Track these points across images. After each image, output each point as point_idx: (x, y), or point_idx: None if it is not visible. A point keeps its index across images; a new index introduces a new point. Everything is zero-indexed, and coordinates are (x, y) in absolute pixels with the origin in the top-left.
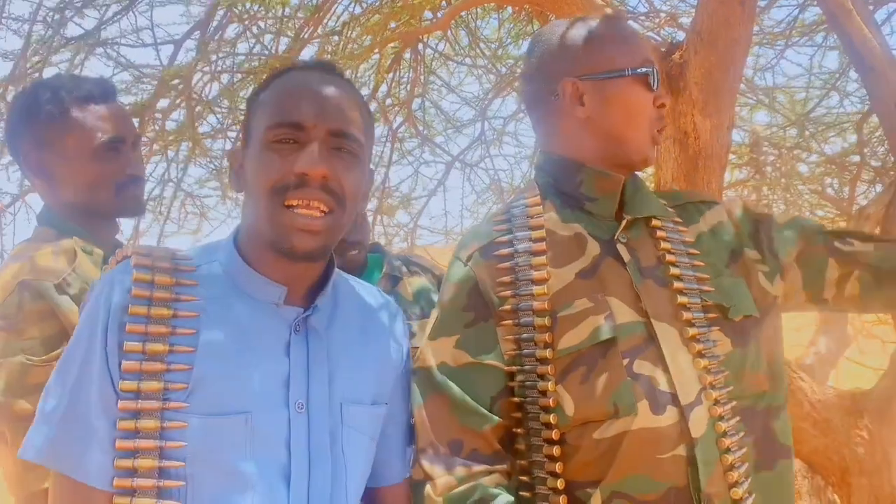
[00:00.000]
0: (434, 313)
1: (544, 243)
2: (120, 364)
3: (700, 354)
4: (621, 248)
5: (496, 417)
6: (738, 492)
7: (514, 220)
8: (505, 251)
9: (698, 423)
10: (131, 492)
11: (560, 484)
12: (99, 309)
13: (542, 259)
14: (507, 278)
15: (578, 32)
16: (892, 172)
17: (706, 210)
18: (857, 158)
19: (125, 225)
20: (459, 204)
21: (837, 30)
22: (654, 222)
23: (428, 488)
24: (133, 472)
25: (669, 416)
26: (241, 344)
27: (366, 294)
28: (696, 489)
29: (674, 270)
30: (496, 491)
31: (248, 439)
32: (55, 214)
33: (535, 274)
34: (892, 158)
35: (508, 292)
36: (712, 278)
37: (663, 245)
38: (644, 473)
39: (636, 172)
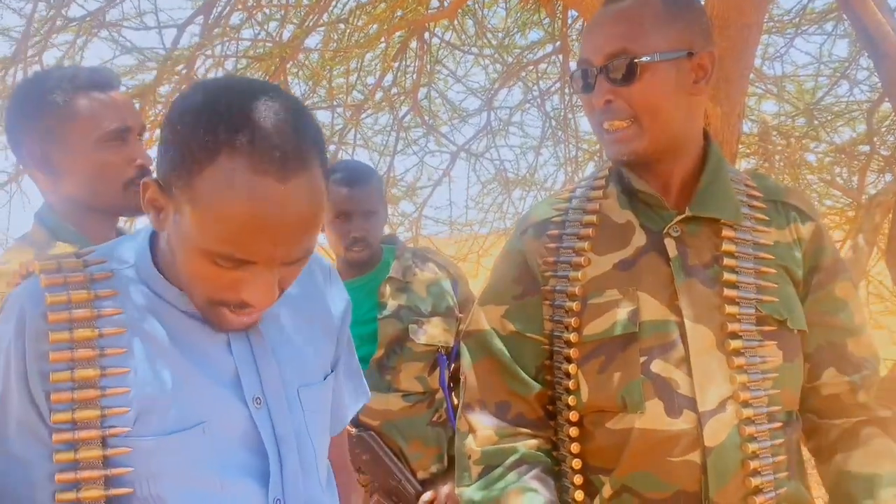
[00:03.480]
0: (487, 278)
1: (592, 229)
2: (48, 395)
3: (740, 369)
4: (669, 243)
5: (540, 385)
6: (757, 500)
7: (574, 200)
8: (556, 231)
9: (716, 432)
10: None
11: (576, 464)
12: (11, 340)
13: (585, 245)
14: (551, 259)
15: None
16: None
17: (799, 219)
18: (866, 148)
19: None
20: (464, 194)
21: (850, 15)
22: (723, 220)
23: (469, 438)
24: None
25: (685, 420)
26: (178, 353)
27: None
28: (706, 496)
29: (729, 276)
30: (535, 454)
31: (210, 447)
32: (52, 214)
33: (575, 259)
34: None
35: (550, 272)
36: (779, 287)
37: (725, 246)
38: (652, 472)
39: (711, 160)
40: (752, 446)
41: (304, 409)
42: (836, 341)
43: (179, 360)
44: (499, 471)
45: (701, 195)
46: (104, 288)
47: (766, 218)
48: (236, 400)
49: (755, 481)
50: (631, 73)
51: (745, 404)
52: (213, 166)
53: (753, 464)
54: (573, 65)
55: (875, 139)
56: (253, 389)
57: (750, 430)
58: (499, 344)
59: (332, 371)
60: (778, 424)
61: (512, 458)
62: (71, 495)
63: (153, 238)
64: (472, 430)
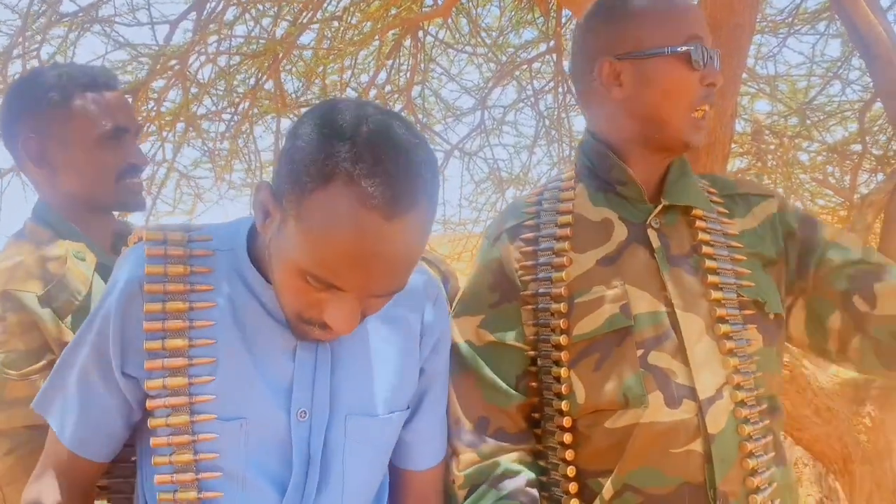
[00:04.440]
0: (462, 290)
1: (569, 229)
2: (141, 364)
3: (731, 352)
4: (651, 234)
5: (521, 395)
6: (754, 481)
7: (544, 202)
8: (530, 235)
9: (717, 419)
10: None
11: (571, 471)
12: (112, 303)
13: (564, 245)
14: (529, 262)
15: (619, 6)
16: (893, 161)
17: (758, 203)
18: (858, 147)
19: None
20: (458, 193)
21: (842, 16)
22: (695, 211)
23: (452, 463)
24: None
25: (685, 409)
26: (245, 347)
27: None
28: (711, 486)
29: (710, 263)
30: (518, 467)
31: (245, 444)
32: (52, 211)
33: (556, 260)
34: (895, 146)
35: (529, 277)
36: (753, 273)
37: (701, 236)
38: (654, 467)
39: (683, 156)
40: (747, 428)
41: (346, 437)
42: (856, 272)
43: (245, 353)
44: (483, 487)
45: (672, 186)
46: (202, 265)
47: (727, 211)
48: (281, 408)
49: (751, 463)
50: (720, 62)
51: (738, 387)
52: (325, 190)
53: (749, 446)
54: (567, 65)
55: (867, 139)
56: (302, 402)
57: (744, 412)
58: (474, 357)
59: (407, 407)
60: (764, 406)
61: (495, 473)
62: (164, 459)
63: (252, 230)
64: (453, 453)
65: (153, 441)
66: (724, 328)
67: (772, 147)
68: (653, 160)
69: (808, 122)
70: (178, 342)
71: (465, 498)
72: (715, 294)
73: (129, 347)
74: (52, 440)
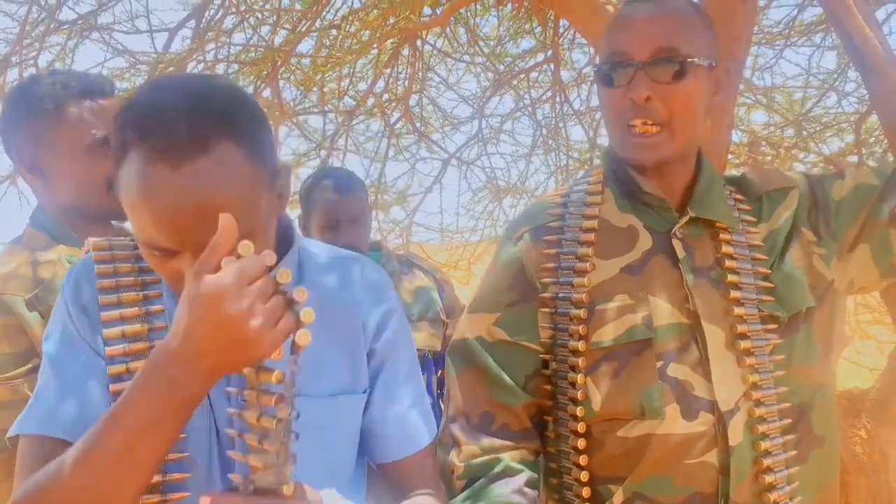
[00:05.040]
0: (478, 286)
1: (593, 234)
2: (104, 344)
3: (751, 368)
4: (676, 244)
5: (529, 395)
6: (770, 496)
7: (570, 205)
8: (553, 237)
9: (736, 431)
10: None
11: (583, 476)
12: (67, 300)
13: (588, 250)
14: (551, 265)
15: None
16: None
17: (783, 199)
18: (854, 158)
19: None
20: (455, 201)
21: (838, 28)
22: (719, 224)
23: (453, 453)
24: None
25: (702, 421)
26: None
27: (335, 277)
28: (724, 496)
29: (732, 277)
30: (518, 466)
31: (201, 424)
32: (49, 217)
33: (579, 265)
34: (891, 158)
35: (550, 279)
36: (778, 279)
37: (724, 249)
38: (666, 477)
39: (705, 167)
40: (763, 444)
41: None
42: (872, 207)
43: None
44: (481, 482)
45: (699, 199)
46: (150, 274)
47: (754, 218)
48: (221, 388)
49: (768, 478)
50: (681, 73)
51: (758, 403)
52: (124, 161)
53: (766, 461)
54: (565, 74)
55: (863, 150)
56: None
57: (762, 428)
58: (484, 353)
59: (364, 392)
60: (789, 421)
61: (495, 470)
62: None
63: None
64: (455, 443)
65: None
66: (744, 344)
67: (768, 158)
68: (667, 170)
69: (805, 133)
70: (137, 327)
71: (463, 489)
72: (738, 310)
73: (95, 328)
74: (30, 452)
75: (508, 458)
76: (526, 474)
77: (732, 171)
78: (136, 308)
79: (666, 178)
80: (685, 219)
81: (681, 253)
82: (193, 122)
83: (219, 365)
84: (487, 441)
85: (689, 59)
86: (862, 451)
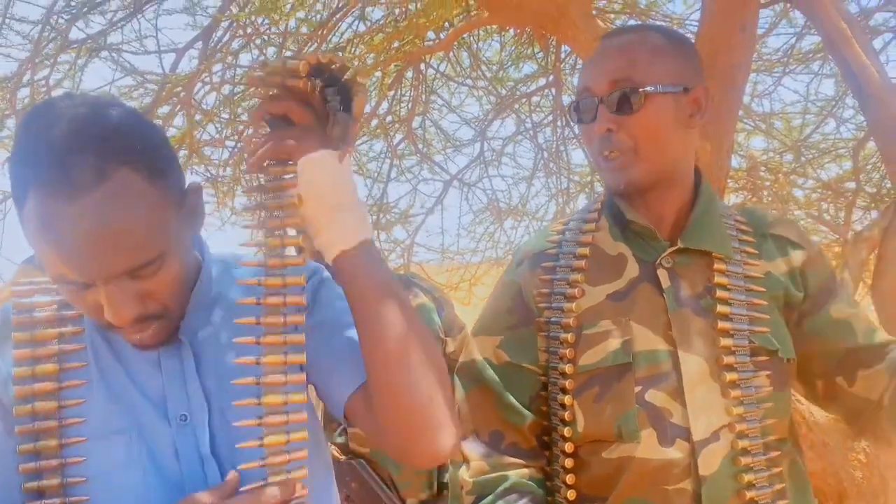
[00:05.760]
0: (483, 308)
1: (585, 261)
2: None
3: (737, 400)
4: (662, 274)
5: (533, 416)
6: None
7: (567, 232)
8: (550, 263)
9: (709, 462)
10: None
11: (571, 495)
12: None
13: (579, 276)
14: (545, 290)
15: None
16: (887, 198)
17: (792, 251)
18: (852, 184)
19: None
20: (456, 223)
21: (836, 56)
22: (715, 253)
23: (462, 468)
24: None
25: (678, 449)
26: (118, 368)
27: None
28: None
29: (722, 308)
30: (526, 484)
31: (136, 457)
32: None
33: (569, 290)
34: (888, 184)
35: (545, 304)
36: (771, 317)
37: (718, 279)
38: (645, 499)
39: (703, 195)
40: (747, 476)
41: (231, 427)
42: (847, 359)
43: (119, 374)
44: (490, 498)
45: (692, 228)
46: (69, 309)
47: (756, 252)
48: (161, 417)
49: None
50: (634, 103)
51: (742, 435)
52: (26, 202)
53: (749, 493)
54: (566, 99)
55: (861, 176)
56: (179, 407)
57: (746, 460)
58: (492, 374)
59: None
60: (775, 453)
61: (502, 487)
62: (33, 485)
63: None
64: (465, 459)
65: (21, 468)
66: (730, 376)
67: (767, 183)
68: (652, 198)
69: (803, 158)
70: (49, 367)
71: None
72: (725, 341)
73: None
74: None
75: (517, 476)
76: (533, 492)
77: (749, 205)
78: (51, 347)
79: (653, 207)
80: (671, 249)
81: (665, 283)
82: (86, 154)
83: None
84: (497, 458)
85: (646, 88)
86: (861, 475)
